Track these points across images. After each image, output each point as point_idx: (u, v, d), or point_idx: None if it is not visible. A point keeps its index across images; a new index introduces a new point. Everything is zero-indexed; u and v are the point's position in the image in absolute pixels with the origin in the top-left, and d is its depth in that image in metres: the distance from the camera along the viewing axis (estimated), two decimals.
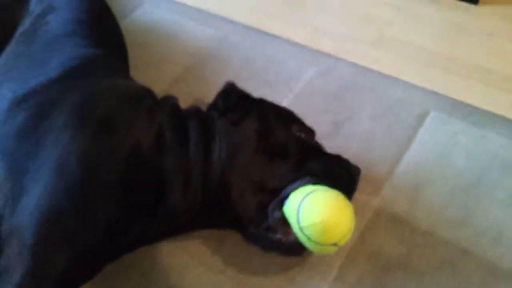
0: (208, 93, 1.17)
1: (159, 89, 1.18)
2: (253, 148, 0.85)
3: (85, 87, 0.86)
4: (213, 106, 0.95)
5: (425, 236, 0.88)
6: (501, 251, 0.86)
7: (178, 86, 1.20)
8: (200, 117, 0.90)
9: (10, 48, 1.01)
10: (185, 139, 0.85)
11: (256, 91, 1.16)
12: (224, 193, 0.83)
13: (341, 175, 0.85)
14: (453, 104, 1.10)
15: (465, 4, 1.34)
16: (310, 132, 0.92)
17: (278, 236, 0.80)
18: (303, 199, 0.75)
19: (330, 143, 1.03)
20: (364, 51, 1.25)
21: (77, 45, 0.98)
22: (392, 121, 1.07)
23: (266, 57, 1.25)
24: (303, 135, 0.89)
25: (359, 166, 0.93)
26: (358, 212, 0.84)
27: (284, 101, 1.14)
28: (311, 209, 0.74)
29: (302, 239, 0.76)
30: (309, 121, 1.08)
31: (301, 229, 0.75)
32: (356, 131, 1.07)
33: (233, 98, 0.94)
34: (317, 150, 0.90)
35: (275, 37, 1.31)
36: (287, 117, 0.92)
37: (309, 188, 0.78)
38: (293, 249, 0.81)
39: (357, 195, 0.89)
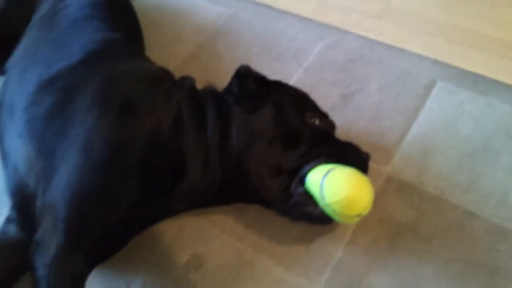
0: (221, 69, 1.21)
1: (173, 67, 1.22)
2: (269, 136, 0.87)
3: (106, 70, 0.90)
4: (228, 89, 0.95)
5: (434, 201, 0.93)
6: (506, 213, 0.91)
7: (191, 63, 1.24)
8: (216, 99, 0.93)
9: (32, 33, 1.05)
10: (203, 120, 0.89)
11: (268, 66, 1.20)
12: (244, 177, 0.87)
13: (352, 160, 0.86)
14: (459, 73, 1.13)
15: None
16: (324, 117, 0.94)
17: (309, 209, 0.84)
18: (324, 177, 0.80)
19: (340, 115, 1.07)
20: (370, 23, 1.28)
21: (96, 29, 1.01)
22: (400, 91, 1.11)
23: (276, 33, 1.28)
24: (317, 121, 0.91)
25: (369, 135, 0.98)
26: (370, 179, 0.88)
27: (295, 75, 1.18)
28: (334, 186, 0.79)
29: (329, 212, 0.81)
30: (318, 94, 1.12)
31: (326, 205, 0.80)
32: (364, 103, 1.11)
33: (248, 82, 0.93)
34: (329, 137, 0.92)
35: (283, 12, 1.34)
36: (302, 104, 0.93)
37: (327, 166, 0.82)
38: (322, 218, 0.85)
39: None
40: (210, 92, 0.95)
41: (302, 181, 0.84)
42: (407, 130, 1.05)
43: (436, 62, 1.17)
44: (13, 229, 0.88)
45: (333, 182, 0.79)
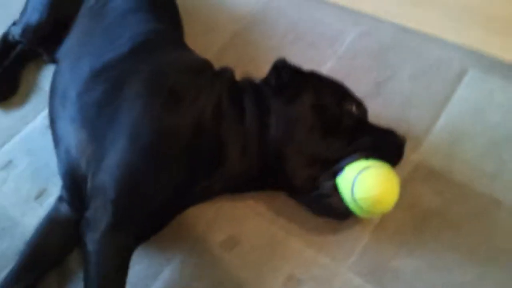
0: (256, 57, 1.25)
1: (210, 55, 1.25)
2: (309, 125, 0.90)
3: (153, 60, 0.96)
4: (266, 81, 0.98)
5: (460, 188, 0.96)
6: None
7: (227, 52, 1.28)
8: (254, 90, 0.96)
9: (82, 23, 1.11)
10: (241, 109, 0.93)
11: (302, 53, 1.24)
12: (280, 164, 0.91)
13: (388, 148, 0.91)
14: (491, 62, 1.14)
15: None
16: (360, 105, 0.96)
17: (332, 200, 0.88)
18: (358, 174, 0.84)
19: (372, 102, 1.10)
20: (404, 10, 1.29)
21: (142, 20, 1.06)
22: (431, 79, 1.13)
23: (310, 20, 1.31)
24: (354, 110, 0.93)
25: (400, 123, 1.01)
26: (398, 166, 0.92)
27: (328, 63, 1.21)
28: (366, 183, 0.83)
29: (353, 207, 0.86)
30: (351, 81, 1.14)
31: (354, 200, 0.84)
32: (396, 90, 1.13)
33: (285, 75, 0.96)
34: (367, 124, 0.95)
35: (317, 0, 1.36)
36: (339, 93, 0.96)
37: (363, 163, 0.85)
38: (341, 213, 0.89)
39: None
40: (248, 83, 0.99)
41: (335, 175, 0.88)
42: (436, 118, 1.07)
43: (468, 50, 1.17)
44: (64, 208, 0.96)
45: (366, 179, 0.83)
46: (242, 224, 0.98)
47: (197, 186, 0.90)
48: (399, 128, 1.05)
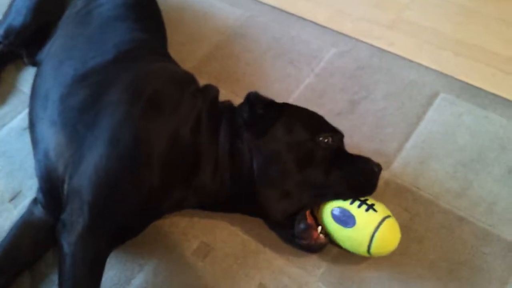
0: (238, 69, 1.28)
1: (191, 65, 1.30)
2: (283, 160, 0.90)
3: (137, 68, 0.97)
4: (239, 112, 0.96)
5: (427, 205, 1.00)
6: (494, 219, 0.97)
7: (208, 63, 1.31)
8: (231, 115, 0.96)
9: (67, 28, 1.13)
10: (216, 130, 0.94)
11: (281, 69, 1.27)
12: (255, 195, 0.92)
13: (363, 181, 0.91)
14: (462, 86, 1.20)
15: None
16: (336, 134, 0.95)
17: (305, 242, 0.91)
18: (376, 231, 0.86)
19: (346, 120, 1.15)
20: (381, 33, 1.34)
21: (128, 29, 1.08)
22: (404, 101, 1.18)
23: (291, 37, 1.35)
24: (329, 140, 0.92)
25: (373, 141, 1.04)
26: None
27: (306, 80, 1.24)
28: (384, 240, 0.87)
29: (360, 252, 0.89)
30: (327, 98, 1.19)
31: (369, 252, 0.88)
32: (370, 109, 1.17)
33: (258, 108, 0.95)
34: (341, 155, 0.94)
35: (300, 18, 1.40)
36: (313, 124, 0.95)
37: (374, 220, 0.87)
38: (315, 249, 0.93)
39: None
40: (227, 106, 1.00)
41: (305, 216, 0.90)
42: (407, 138, 1.11)
43: (441, 74, 1.23)
44: (38, 211, 0.97)
45: (384, 236, 0.87)
46: (216, 232, 1.00)
47: (171, 195, 0.91)
48: (371, 145, 1.10)
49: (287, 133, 0.93)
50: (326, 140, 0.92)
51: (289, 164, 0.90)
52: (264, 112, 0.95)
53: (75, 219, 0.82)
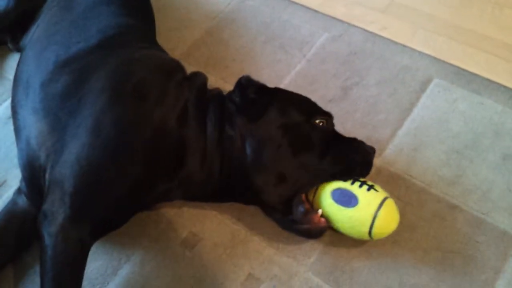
0: (227, 55, 1.26)
1: (180, 51, 1.27)
2: (277, 144, 0.88)
3: (121, 55, 0.94)
4: (230, 97, 0.95)
5: (420, 192, 0.98)
6: (487, 207, 0.96)
7: (198, 49, 1.28)
8: (220, 102, 0.94)
9: (50, 13, 1.09)
10: (204, 119, 0.92)
11: (272, 55, 1.25)
12: (248, 182, 0.90)
13: (358, 160, 0.90)
14: (456, 71, 1.17)
15: None
16: (329, 117, 0.94)
17: (306, 226, 0.88)
18: (377, 211, 0.84)
19: (338, 107, 1.12)
20: (374, 17, 1.31)
21: (113, 13, 1.05)
22: (397, 86, 1.16)
23: (282, 22, 1.32)
24: (323, 123, 0.92)
25: (365, 128, 1.02)
26: None
27: (298, 66, 1.22)
28: (386, 220, 0.85)
29: (359, 236, 0.88)
30: (319, 85, 1.17)
31: (370, 234, 0.86)
32: (363, 95, 1.15)
33: (250, 92, 0.93)
34: (336, 137, 0.94)
35: (291, 2, 1.37)
36: (306, 108, 0.94)
37: (376, 198, 0.85)
38: (316, 234, 0.90)
39: None
40: (216, 94, 0.97)
41: (302, 198, 0.89)
42: (400, 124, 1.09)
43: (434, 59, 1.20)
44: (22, 201, 0.95)
45: (386, 216, 0.85)
46: (205, 222, 0.98)
47: (156, 187, 0.89)
48: (364, 132, 1.08)
49: (281, 116, 0.91)
50: (321, 123, 0.91)
51: (284, 147, 0.89)
52: (256, 96, 0.94)
53: (56, 210, 0.80)
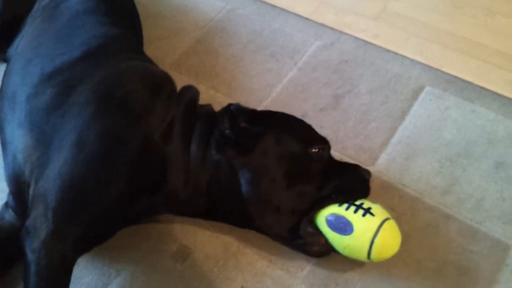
0: (217, 64, 1.25)
1: (171, 60, 1.26)
2: (274, 176, 0.86)
3: (108, 66, 0.93)
4: (220, 130, 0.89)
5: (413, 202, 0.97)
6: (481, 216, 0.95)
7: (188, 58, 1.27)
8: (209, 121, 0.91)
9: (34, 23, 1.07)
10: (190, 137, 0.89)
11: (262, 64, 1.24)
12: (244, 210, 0.87)
13: (356, 185, 0.89)
14: (448, 79, 1.17)
15: None
16: (325, 144, 0.91)
17: (315, 248, 0.87)
18: (375, 236, 0.81)
19: (330, 115, 1.11)
20: (366, 25, 1.31)
21: (98, 23, 1.03)
22: (389, 95, 1.15)
23: (272, 30, 1.31)
24: (319, 151, 0.89)
25: (357, 136, 1.01)
26: None
27: (289, 74, 1.21)
28: (385, 245, 0.82)
29: (360, 258, 0.85)
30: (310, 93, 1.16)
31: (369, 259, 0.83)
32: (354, 104, 1.14)
33: (240, 121, 0.89)
34: (333, 164, 0.91)
35: (282, 10, 1.36)
36: (303, 134, 0.91)
37: (373, 224, 0.82)
38: (325, 254, 0.88)
39: None
40: (206, 112, 0.94)
41: (312, 220, 0.87)
42: (393, 133, 1.08)
43: (427, 67, 1.20)
44: (9, 215, 0.93)
45: (384, 241, 0.82)
46: (196, 234, 0.97)
47: (140, 202, 0.87)
48: (356, 141, 1.07)
49: (276, 145, 0.88)
50: (318, 152, 0.89)
51: (281, 179, 0.86)
52: (248, 125, 0.89)
53: (39, 226, 0.78)
